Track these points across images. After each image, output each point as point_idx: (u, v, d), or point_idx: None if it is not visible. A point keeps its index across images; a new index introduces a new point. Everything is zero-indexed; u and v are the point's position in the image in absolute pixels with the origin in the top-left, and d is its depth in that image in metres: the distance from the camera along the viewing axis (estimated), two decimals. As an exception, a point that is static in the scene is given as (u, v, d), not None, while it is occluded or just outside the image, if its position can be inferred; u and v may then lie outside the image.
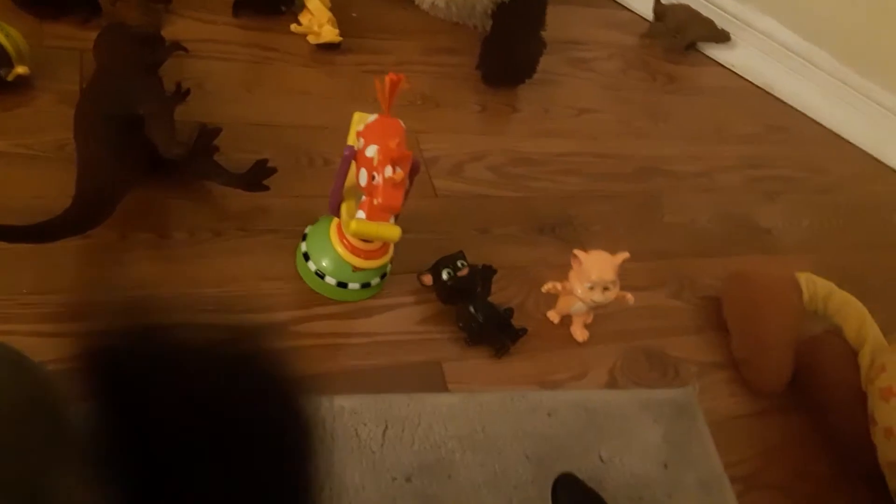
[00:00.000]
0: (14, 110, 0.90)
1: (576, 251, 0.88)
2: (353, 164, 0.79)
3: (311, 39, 1.15)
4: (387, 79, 0.76)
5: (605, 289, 0.88)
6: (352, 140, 0.80)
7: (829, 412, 0.99)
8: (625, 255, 0.88)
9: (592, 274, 0.86)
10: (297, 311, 0.84)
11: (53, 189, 0.81)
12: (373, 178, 0.73)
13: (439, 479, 0.77)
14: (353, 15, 1.23)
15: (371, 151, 0.74)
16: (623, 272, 0.89)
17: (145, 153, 0.81)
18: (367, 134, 0.76)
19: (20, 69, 0.89)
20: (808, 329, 1.03)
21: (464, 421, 0.82)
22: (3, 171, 0.83)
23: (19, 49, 0.89)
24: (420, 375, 0.85)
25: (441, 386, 0.85)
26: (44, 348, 0.71)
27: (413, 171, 0.77)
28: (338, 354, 0.83)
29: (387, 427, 0.78)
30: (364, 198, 0.77)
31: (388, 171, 0.71)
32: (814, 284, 1.04)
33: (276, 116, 1.04)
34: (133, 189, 0.81)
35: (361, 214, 0.75)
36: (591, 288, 0.87)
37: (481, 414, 0.83)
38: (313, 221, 0.90)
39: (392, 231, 0.77)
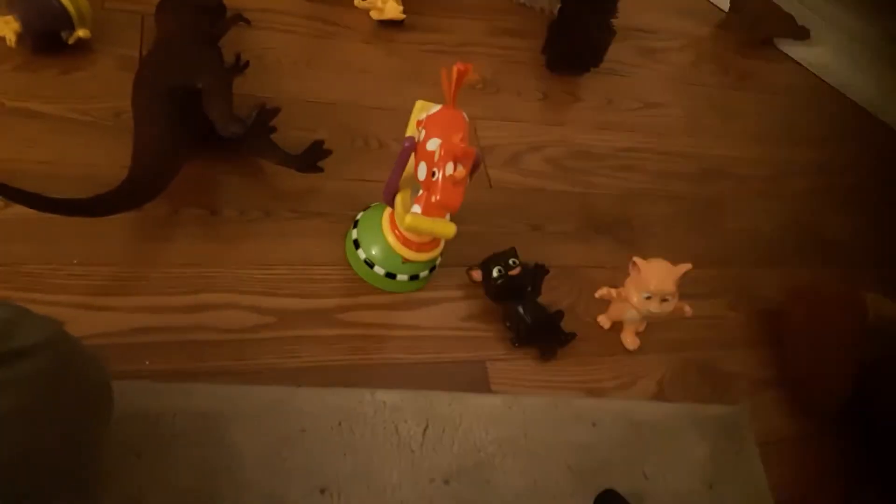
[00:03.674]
0: (72, 73, 0.89)
1: (635, 258, 0.84)
2: (413, 156, 0.76)
3: (374, 15, 1.12)
4: (454, 68, 0.71)
5: (664, 300, 0.84)
6: (411, 130, 0.77)
7: (884, 441, 0.94)
8: (687, 266, 0.84)
9: (651, 284, 0.83)
10: (343, 299, 0.83)
11: (108, 157, 0.80)
12: (433, 174, 0.69)
13: (478, 484, 0.75)
14: None
15: (433, 145, 0.70)
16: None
17: (201, 128, 0.79)
18: (430, 125, 0.73)
19: (81, 32, 0.88)
20: (871, 353, 0.98)
21: (506, 424, 0.79)
22: (59, 137, 0.82)
23: (81, 11, 0.87)
24: (463, 373, 0.83)
25: (484, 386, 0.82)
26: (90, 321, 0.71)
27: (474, 168, 0.74)
28: (382, 346, 0.82)
29: (427, 426, 0.76)
30: (421, 191, 0.73)
31: (450, 168, 0.68)
32: (881, 305, 0.98)
33: (333, 94, 1.01)
34: (187, 163, 0.80)
35: (417, 209, 0.72)
36: (649, 298, 0.83)
37: (524, 418, 0.80)
38: (364, 206, 0.88)
39: (447, 228, 0.73)
